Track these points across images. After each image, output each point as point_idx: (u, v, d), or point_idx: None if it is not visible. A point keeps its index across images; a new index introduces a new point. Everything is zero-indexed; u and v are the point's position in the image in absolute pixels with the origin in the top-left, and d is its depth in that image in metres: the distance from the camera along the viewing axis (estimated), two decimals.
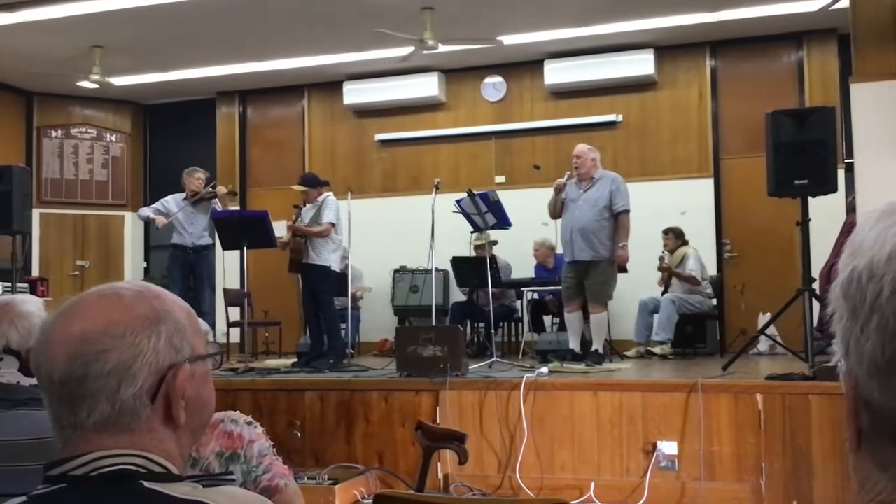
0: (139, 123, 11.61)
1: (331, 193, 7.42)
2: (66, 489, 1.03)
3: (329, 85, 10.42)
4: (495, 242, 8.72)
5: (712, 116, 9.39)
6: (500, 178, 9.81)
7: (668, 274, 8.24)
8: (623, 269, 7.68)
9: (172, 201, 8.38)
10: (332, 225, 7.19)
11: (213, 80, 10.35)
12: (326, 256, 7.20)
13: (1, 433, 1.87)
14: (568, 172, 7.09)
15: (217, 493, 1.06)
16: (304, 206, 7.44)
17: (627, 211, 6.88)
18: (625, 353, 7.90)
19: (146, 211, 8.51)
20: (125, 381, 1.05)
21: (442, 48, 8.33)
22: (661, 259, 8.32)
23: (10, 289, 7.21)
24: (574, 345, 7.05)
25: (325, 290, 7.23)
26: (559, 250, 7.76)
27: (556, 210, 7.08)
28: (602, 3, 8.18)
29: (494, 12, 8.27)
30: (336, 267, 7.35)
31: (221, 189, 8.40)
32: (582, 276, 6.90)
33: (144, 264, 11.50)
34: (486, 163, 9.99)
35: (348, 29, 8.62)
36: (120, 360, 1.05)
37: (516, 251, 8.97)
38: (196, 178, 8.36)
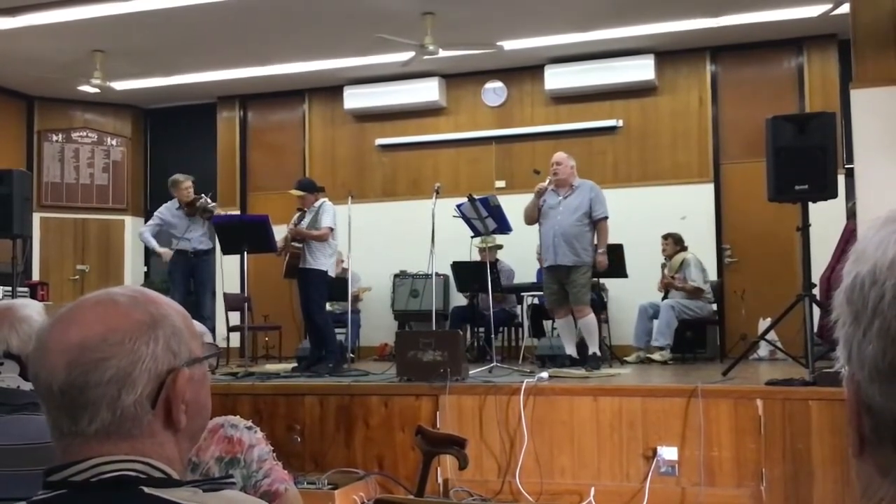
0: (140, 128, 11.63)
1: (327, 199, 7.43)
2: (66, 495, 1.03)
3: (330, 89, 10.43)
4: (500, 247, 8.72)
5: (712, 121, 9.40)
6: (500, 183, 9.82)
7: (671, 287, 8.23)
8: (623, 275, 7.69)
9: (167, 212, 8.34)
10: (331, 230, 7.19)
11: (214, 85, 10.36)
12: (323, 261, 7.20)
13: (1, 438, 1.87)
14: (549, 177, 7.14)
15: (217, 497, 1.06)
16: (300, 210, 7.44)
17: (606, 217, 7.00)
18: (625, 357, 7.90)
19: (149, 238, 8.37)
20: (125, 388, 1.05)
21: (442, 53, 8.34)
22: (663, 266, 8.32)
23: (10, 293, 7.20)
24: (570, 350, 7.09)
25: (318, 294, 7.22)
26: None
27: (534, 216, 7.17)
28: (602, 9, 8.19)
29: (495, 17, 8.28)
30: (332, 273, 7.36)
31: (220, 212, 8.38)
32: (563, 281, 6.96)
33: (145, 268, 11.50)
34: (486, 167, 10.00)
35: (349, 34, 8.63)
36: (119, 368, 1.05)
37: (517, 256, 8.97)
38: (185, 188, 8.30)
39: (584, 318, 6.99)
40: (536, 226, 7.26)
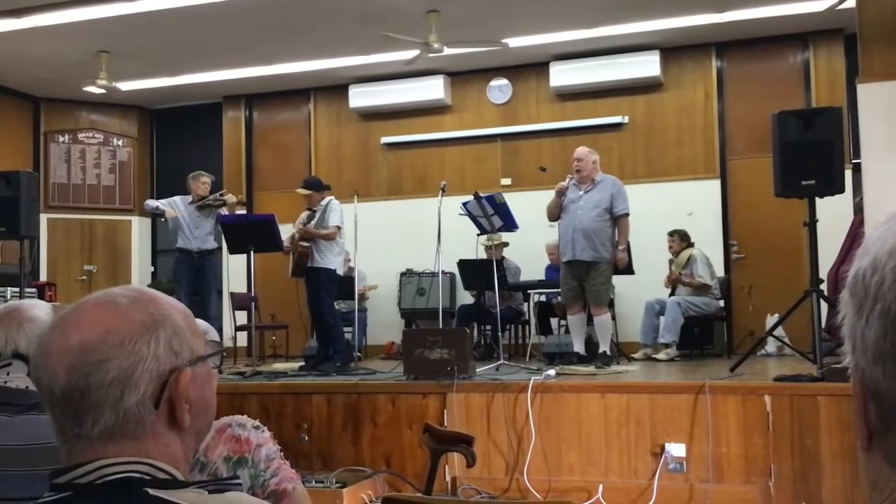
0: (146, 128, 11.65)
1: (333, 197, 7.43)
2: (71, 497, 1.03)
3: (335, 88, 10.44)
4: (506, 244, 8.72)
5: (718, 117, 9.38)
6: (506, 181, 9.81)
7: (679, 283, 8.22)
8: (630, 272, 7.68)
9: (180, 202, 8.37)
10: (338, 228, 7.20)
11: (220, 85, 10.38)
12: (331, 260, 7.20)
13: (10, 438, 1.88)
14: (569, 176, 7.11)
15: (222, 499, 1.06)
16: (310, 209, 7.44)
17: (627, 214, 6.96)
18: (632, 355, 7.88)
19: (155, 202, 8.43)
20: (128, 390, 1.05)
21: (447, 51, 8.34)
22: (671, 262, 8.31)
23: (17, 294, 7.22)
24: (578, 347, 7.07)
25: (327, 293, 7.23)
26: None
27: (555, 213, 7.14)
28: (607, 5, 8.18)
29: (500, 15, 8.27)
30: (340, 271, 7.37)
31: (231, 198, 8.36)
32: (582, 277, 6.93)
33: (152, 268, 11.53)
34: (492, 165, 10.00)
35: (354, 32, 8.63)
36: (121, 369, 1.04)
37: (523, 253, 8.97)
38: (202, 182, 8.35)
39: (601, 317, 6.97)
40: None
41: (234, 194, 8.68)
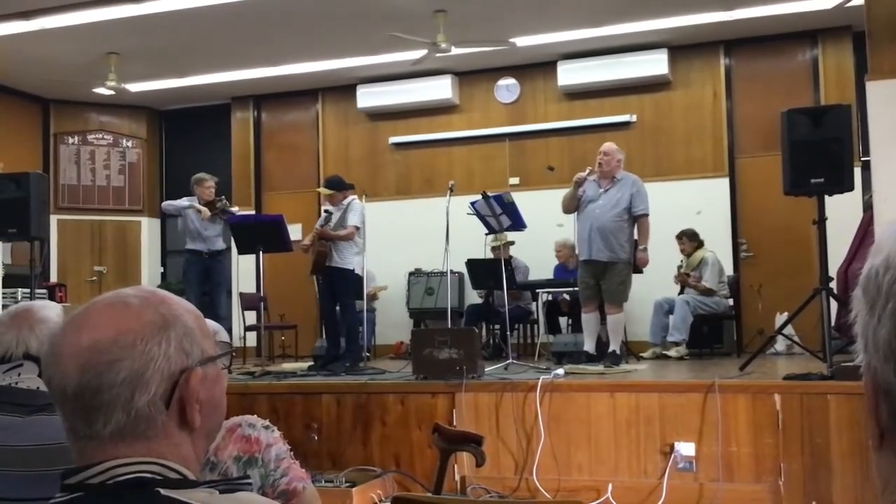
0: (155, 129, 11.68)
1: (356, 197, 7.45)
2: (82, 498, 1.04)
3: (343, 88, 10.45)
4: (512, 243, 8.71)
5: (727, 116, 9.36)
6: (514, 180, 9.81)
7: (686, 284, 8.20)
8: (638, 271, 7.69)
9: (189, 204, 8.40)
10: (357, 228, 7.20)
11: (228, 85, 10.40)
12: (350, 259, 7.20)
13: (21, 439, 1.89)
14: (589, 168, 7.04)
15: (233, 499, 1.06)
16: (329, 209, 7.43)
17: (647, 214, 6.89)
18: (641, 354, 7.87)
19: (175, 203, 8.41)
20: (139, 390, 1.05)
21: (455, 51, 8.34)
22: (679, 267, 8.29)
23: (28, 295, 7.25)
24: (589, 346, 7.04)
25: (347, 294, 7.23)
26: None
27: (571, 205, 7.06)
28: (615, 4, 8.17)
29: (507, 14, 8.27)
30: (359, 270, 7.37)
31: (235, 209, 8.42)
32: (599, 277, 6.89)
33: (161, 269, 11.56)
34: (500, 165, 9.99)
35: (362, 33, 8.64)
36: (132, 369, 1.05)
37: (531, 252, 8.96)
38: (207, 187, 8.37)
39: (614, 316, 6.94)
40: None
41: (237, 206, 8.72)
